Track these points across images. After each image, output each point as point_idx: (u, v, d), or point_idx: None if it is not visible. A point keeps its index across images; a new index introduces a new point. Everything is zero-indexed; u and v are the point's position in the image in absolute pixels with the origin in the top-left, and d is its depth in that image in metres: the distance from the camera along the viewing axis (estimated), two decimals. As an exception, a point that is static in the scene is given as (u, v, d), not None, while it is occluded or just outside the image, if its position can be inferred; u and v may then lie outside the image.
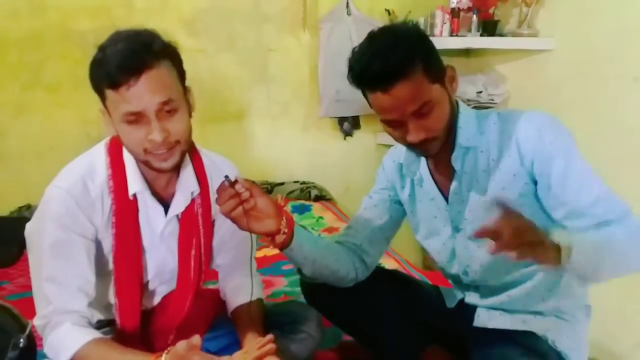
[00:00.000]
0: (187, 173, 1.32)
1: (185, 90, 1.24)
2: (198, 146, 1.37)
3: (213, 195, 1.33)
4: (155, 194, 1.30)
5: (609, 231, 1.15)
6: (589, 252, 1.09)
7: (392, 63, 1.16)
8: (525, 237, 1.01)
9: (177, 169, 1.28)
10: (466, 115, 1.30)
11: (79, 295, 1.22)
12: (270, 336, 1.22)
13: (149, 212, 1.30)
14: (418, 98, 1.18)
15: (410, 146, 1.27)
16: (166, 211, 1.31)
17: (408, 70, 1.17)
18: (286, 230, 1.25)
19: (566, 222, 1.22)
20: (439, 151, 1.28)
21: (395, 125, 1.24)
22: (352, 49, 1.24)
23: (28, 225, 1.26)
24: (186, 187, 1.32)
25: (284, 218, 1.24)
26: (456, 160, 1.30)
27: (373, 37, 1.23)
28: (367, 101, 1.26)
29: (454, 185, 1.33)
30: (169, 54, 1.19)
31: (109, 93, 1.15)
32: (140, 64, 1.12)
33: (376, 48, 1.19)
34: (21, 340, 1.22)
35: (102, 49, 1.16)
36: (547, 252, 1.05)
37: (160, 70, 1.15)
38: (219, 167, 1.38)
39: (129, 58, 1.12)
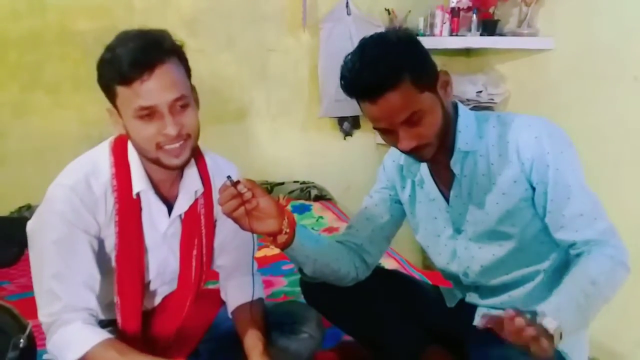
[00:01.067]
0: (191, 173, 1.33)
1: (192, 87, 1.26)
2: (201, 146, 1.37)
3: (216, 196, 1.33)
4: (159, 194, 1.31)
5: (587, 273, 1.16)
6: (576, 322, 1.11)
7: (379, 75, 1.17)
8: (523, 333, 1.02)
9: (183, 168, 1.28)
10: (465, 119, 1.30)
11: (87, 291, 1.23)
12: None
13: (153, 211, 1.30)
14: (406, 108, 1.19)
15: (404, 152, 1.28)
16: (169, 212, 1.32)
17: (395, 82, 1.17)
18: (288, 230, 1.25)
19: (553, 233, 1.26)
20: (437, 155, 1.28)
21: (387, 133, 1.25)
22: (345, 57, 1.25)
23: (30, 223, 1.26)
24: (190, 187, 1.33)
25: (285, 218, 1.25)
26: (455, 165, 1.30)
27: (363, 47, 1.23)
28: (360, 108, 1.27)
29: (454, 188, 1.33)
30: (177, 52, 1.21)
31: (121, 90, 1.16)
32: (153, 59, 1.15)
33: (365, 59, 1.20)
34: (21, 340, 1.22)
35: (111, 48, 1.17)
36: (542, 344, 1.04)
37: (170, 66, 1.18)
38: (221, 167, 1.38)
39: (142, 54, 1.14)
